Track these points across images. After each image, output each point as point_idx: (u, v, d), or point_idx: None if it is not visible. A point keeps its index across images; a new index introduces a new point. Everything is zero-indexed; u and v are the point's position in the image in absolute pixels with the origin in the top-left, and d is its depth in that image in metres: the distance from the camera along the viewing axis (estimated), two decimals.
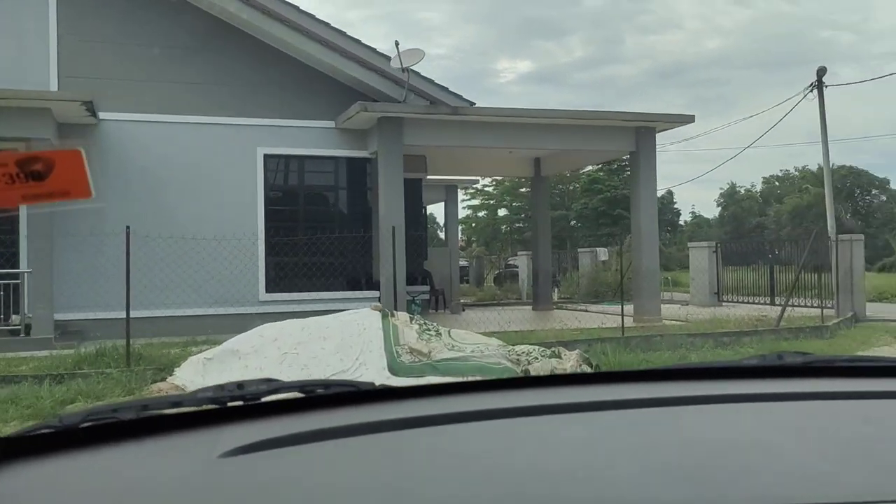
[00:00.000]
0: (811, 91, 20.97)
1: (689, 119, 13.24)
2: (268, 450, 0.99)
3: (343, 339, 7.80)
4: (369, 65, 13.07)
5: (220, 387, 1.21)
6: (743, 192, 61.81)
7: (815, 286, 14.37)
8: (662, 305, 13.69)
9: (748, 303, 16.98)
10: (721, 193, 61.33)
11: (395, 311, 8.60)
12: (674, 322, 12.69)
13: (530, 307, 17.54)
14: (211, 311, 12.17)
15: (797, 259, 19.40)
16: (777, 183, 62.55)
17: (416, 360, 7.52)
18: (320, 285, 13.02)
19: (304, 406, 1.17)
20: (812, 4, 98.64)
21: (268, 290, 12.89)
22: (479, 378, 2.17)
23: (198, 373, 7.31)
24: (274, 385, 1.22)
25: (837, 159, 57.00)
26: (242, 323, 9.64)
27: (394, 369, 7.41)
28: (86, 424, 1.08)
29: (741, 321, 11.95)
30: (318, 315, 8.65)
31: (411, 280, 14.34)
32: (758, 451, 0.98)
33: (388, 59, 12.93)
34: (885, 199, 57.07)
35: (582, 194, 41.87)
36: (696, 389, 1.24)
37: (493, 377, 3.76)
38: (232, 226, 12.29)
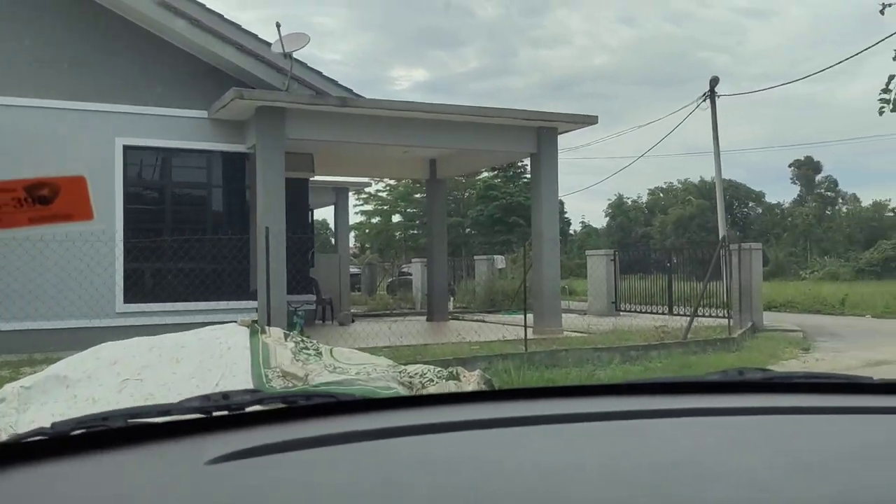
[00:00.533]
0: (704, 100, 21.09)
1: (592, 120, 12.59)
2: (253, 457, 1.04)
3: (202, 361, 6.42)
4: (248, 49, 11.73)
5: (206, 397, 1.30)
6: (630, 203, 63.35)
7: (713, 295, 14.04)
8: (562, 315, 12.96)
9: (646, 312, 16.61)
10: (609, 204, 62.59)
11: (267, 327, 7.30)
12: (576, 334, 11.98)
13: (425, 318, 16.53)
14: (58, 325, 10.48)
15: (695, 268, 19.39)
16: (661, 195, 64.45)
17: (290, 384, 6.31)
18: (189, 295, 11.53)
19: (287, 416, 1.24)
20: (693, 26, 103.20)
21: (126, 301, 11.29)
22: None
23: (10, 406, 5.81)
24: (258, 395, 1.30)
25: (712, 173, 58.98)
26: (94, 338, 8.09)
27: None
28: (76, 432, 1.13)
29: (646, 333, 11.36)
30: (188, 329, 7.28)
31: (295, 289, 13.07)
32: (719, 465, 1.02)
33: (270, 45, 11.66)
34: (760, 211, 59.84)
35: (478, 201, 41.37)
36: (661, 403, 1.31)
37: None
38: (84, 226, 10.62)
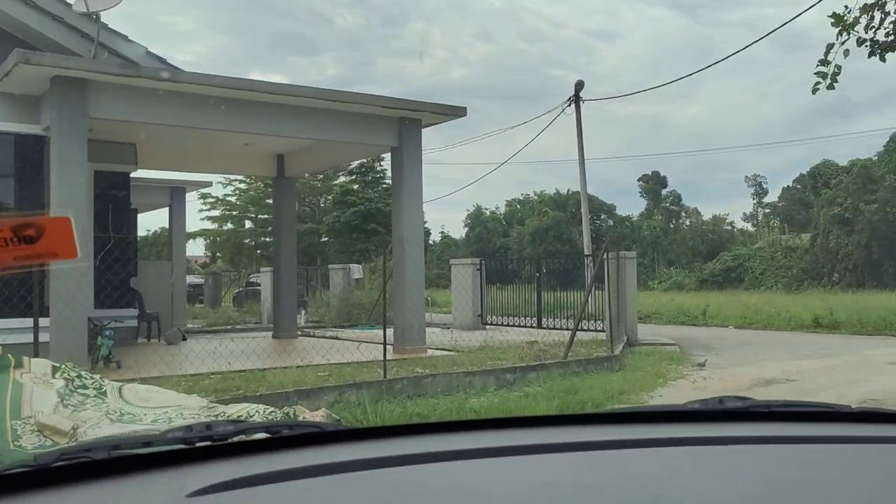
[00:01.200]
0: (569, 105, 20.51)
1: (460, 111, 11.20)
2: (236, 489, 1.04)
3: None
4: (42, 8, 9.47)
5: (189, 427, 1.29)
6: (488, 213, 63.53)
7: (573, 305, 13.08)
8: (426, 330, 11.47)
9: (514, 325, 15.49)
10: (468, 215, 62.42)
11: (31, 359, 5.26)
12: (441, 352, 10.52)
13: (271, 334, 14.56)
14: None
15: (560, 278, 18.59)
16: (518, 206, 65.05)
17: (51, 442, 4.40)
18: None
19: (271, 446, 1.25)
20: (545, 45, 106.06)
21: None
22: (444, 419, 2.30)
23: None
24: (241, 426, 1.31)
25: (566, 186, 60.71)
26: None
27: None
28: (59, 463, 1.13)
29: (519, 350, 10.09)
30: None
31: (113, 302, 10.88)
32: (701, 495, 1.04)
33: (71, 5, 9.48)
34: (612, 223, 61.60)
35: (334, 206, 39.36)
36: (642, 433, 1.32)
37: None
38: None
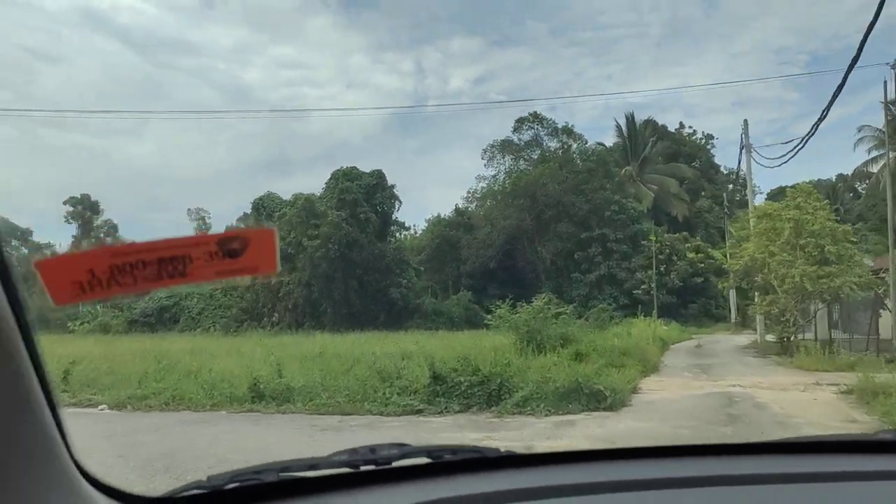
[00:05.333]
0: None
1: None
2: None
3: None
4: None
5: (354, 450, 1.34)
6: None
7: None
8: None
9: None
10: None
11: None
12: None
13: None
14: None
15: None
16: None
17: None
18: None
19: (432, 472, 1.32)
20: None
21: None
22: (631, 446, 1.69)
23: None
24: (405, 450, 1.34)
25: None
26: None
27: None
28: (231, 486, 1.19)
29: None
30: None
31: None
32: None
33: None
34: (26, 251, 50.21)
35: None
36: (809, 466, 1.38)
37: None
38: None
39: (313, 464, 1.28)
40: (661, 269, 40.62)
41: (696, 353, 22.59)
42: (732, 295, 35.87)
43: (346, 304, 37.07)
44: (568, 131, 48.65)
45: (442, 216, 48.29)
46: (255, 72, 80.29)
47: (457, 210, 48.32)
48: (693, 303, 42.42)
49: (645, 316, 30.38)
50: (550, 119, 48.75)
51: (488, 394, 10.48)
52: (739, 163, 37.29)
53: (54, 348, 17.43)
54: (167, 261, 0.95)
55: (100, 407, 11.23)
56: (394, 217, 43.30)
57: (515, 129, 48.54)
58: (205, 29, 79.65)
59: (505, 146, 48.82)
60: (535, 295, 20.07)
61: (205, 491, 1.17)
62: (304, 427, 9.34)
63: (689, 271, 41.14)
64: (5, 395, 0.84)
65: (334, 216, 36.72)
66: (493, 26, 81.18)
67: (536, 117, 48.41)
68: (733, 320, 38.86)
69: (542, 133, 48.92)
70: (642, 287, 40.28)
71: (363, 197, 38.66)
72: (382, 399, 10.72)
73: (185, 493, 1.16)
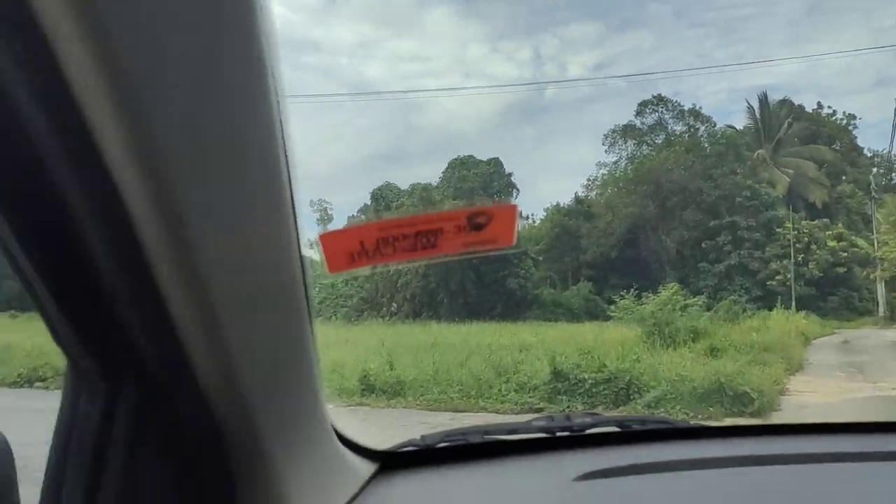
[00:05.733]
0: None
1: None
2: (612, 477, 1.18)
3: None
4: None
5: (550, 417, 1.47)
6: None
7: None
8: None
9: None
10: None
11: None
12: None
13: None
14: None
15: None
16: None
17: None
18: None
19: (622, 440, 1.39)
20: None
21: None
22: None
23: None
24: (597, 419, 1.45)
25: None
26: None
27: None
28: (441, 444, 1.34)
29: None
30: None
31: None
32: None
33: None
34: None
35: None
36: None
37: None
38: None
39: (513, 429, 1.40)
40: (799, 258, 37.79)
41: (844, 349, 20.56)
42: (880, 287, 32.95)
43: (462, 294, 36.77)
44: (695, 113, 46.27)
45: (561, 205, 47.08)
46: (377, 66, 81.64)
47: (576, 198, 46.95)
48: (833, 295, 39.21)
49: (782, 309, 28.23)
50: (675, 101, 46.53)
51: (615, 393, 9.57)
52: (892, 143, 34.16)
53: None
54: (423, 234, 1.02)
55: None
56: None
57: (638, 113, 46.66)
58: (328, 26, 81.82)
59: (627, 131, 47.02)
60: (658, 286, 18.90)
61: (419, 448, 1.32)
62: (414, 425, 8.79)
63: (830, 261, 38.06)
64: (295, 349, 0.95)
65: (451, 206, 36.44)
66: (613, 10, 78.66)
67: (661, 100, 46.33)
68: (881, 314, 35.64)
69: (666, 116, 46.80)
70: (777, 278, 37.62)
71: (480, 185, 38.20)
72: (498, 395, 10.03)
73: (404, 449, 1.31)
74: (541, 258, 43.25)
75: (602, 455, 1.26)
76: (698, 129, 46.21)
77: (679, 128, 46.69)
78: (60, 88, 0.57)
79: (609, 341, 14.09)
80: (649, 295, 16.73)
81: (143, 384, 0.78)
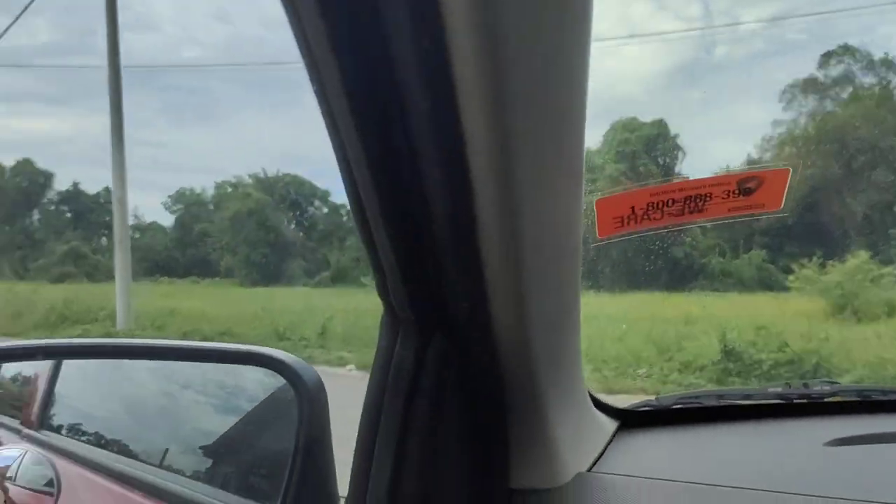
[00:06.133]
0: None
1: None
2: (864, 444, 1.16)
3: None
4: None
5: (787, 384, 1.47)
6: (191, 194, 54.53)
7: None
8: None
9: None
10: (170, 196, 53.06)
11: None
12: None
13: None
14: None
15: None
16: (230, 189, 56.58)
17: None
18: None
19: (861, 409, 1.37)
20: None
21: None
22: None
23: None
24: (836, 388, 1.43)
25: (279, 167, 54.31)
26: None
27: None
28: (676, 406, 1.38)
29: None
30: None
31: None
32: None
33: None
34: (326, 211, 55.02)
35: None
36: None
37: None
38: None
39: (748, 394, 1.43)
40: None
41: None
42: None
43: (624, 263, 35.52)
44: (888, 63, 41.55)
45: (730, 168, 44.26)
46: None
47: (748, 161, 43.91)
48: None
49: None
50: (865, 50, 42.05)
51: (800, 377, 8.47)
52: None
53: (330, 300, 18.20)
54: (692, 199, 1.04)
55: (347, 367, 10.64)
56: (677, 170, 40.50)
57: (821, 66, 42.52)
58: None
59: (808, 86, 43.07)
60: (842, 254, 17.06)
61: (655, 408, 1.36)
62: None
63: None
64: (566, 312, 1.00)
65: (612, 170, 35.28)
66: None
67: (847, 50, 41.99)
68: None
69: (854, 67, 42.38)
70: None
71: (643, 149, 36.61)
72: (660, 375, 9.20)
73: (641, 409, 1.36)
74: (708, 225, 41.01)
75: (845, 423, 1.25)
76: (891, 80, 41.62)
77: (869, 80, 42.26)
78: (445, 77, 0.65)
79: (787, 314, 12.81)
80: (834, 263, 15.14)
81: (451, 335, 0.90)
